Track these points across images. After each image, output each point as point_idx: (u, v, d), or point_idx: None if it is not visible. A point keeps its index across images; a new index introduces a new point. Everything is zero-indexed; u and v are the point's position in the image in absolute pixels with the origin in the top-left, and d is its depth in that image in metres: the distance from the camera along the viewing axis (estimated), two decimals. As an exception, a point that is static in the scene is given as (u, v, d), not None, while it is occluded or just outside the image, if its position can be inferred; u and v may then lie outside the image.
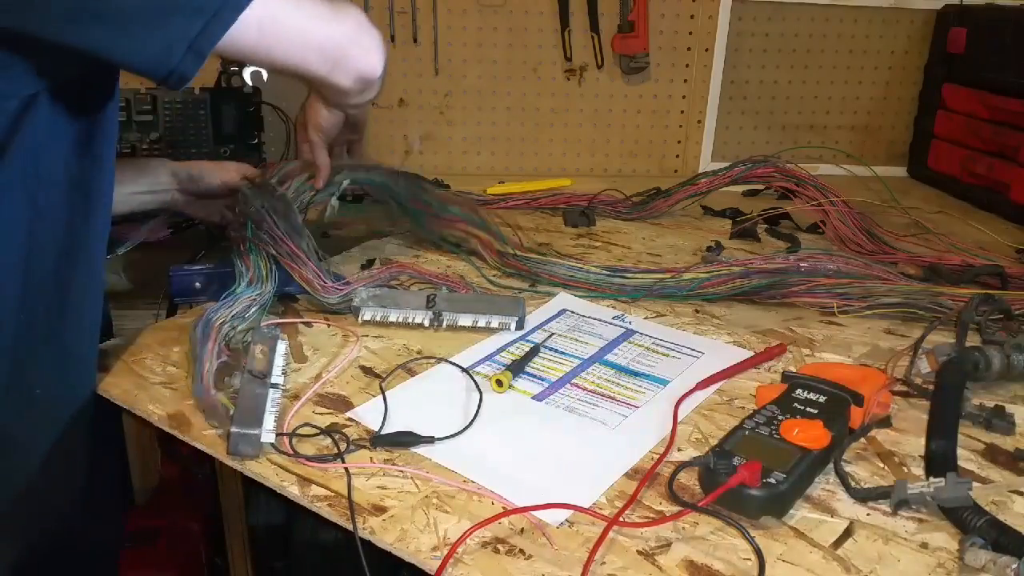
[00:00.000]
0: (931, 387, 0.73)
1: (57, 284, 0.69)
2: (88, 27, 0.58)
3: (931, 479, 0.59)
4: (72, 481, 0.77)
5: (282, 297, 0.90)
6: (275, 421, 0.68)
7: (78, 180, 0.68)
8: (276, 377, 0.72)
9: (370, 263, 1.04)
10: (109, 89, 0.70)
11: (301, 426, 0.67)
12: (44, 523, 0.76)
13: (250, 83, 1.28)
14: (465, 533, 0.55)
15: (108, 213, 0.74)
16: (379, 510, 0.59)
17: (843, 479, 0.62)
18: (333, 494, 0.60)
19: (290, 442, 0.65)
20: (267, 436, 0.65)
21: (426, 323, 0.86)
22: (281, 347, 0.77)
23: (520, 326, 0.87)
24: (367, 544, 0.56)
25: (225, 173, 1.02)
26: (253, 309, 0.82)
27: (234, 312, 0.80)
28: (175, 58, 0.60)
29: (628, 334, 0.88)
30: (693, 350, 0.84)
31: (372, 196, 1.10)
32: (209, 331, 0.75)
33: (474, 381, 0.76)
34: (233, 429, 0.64)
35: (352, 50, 0.76)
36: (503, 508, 0.59)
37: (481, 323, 0.86)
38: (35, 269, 0.67)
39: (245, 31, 0.63)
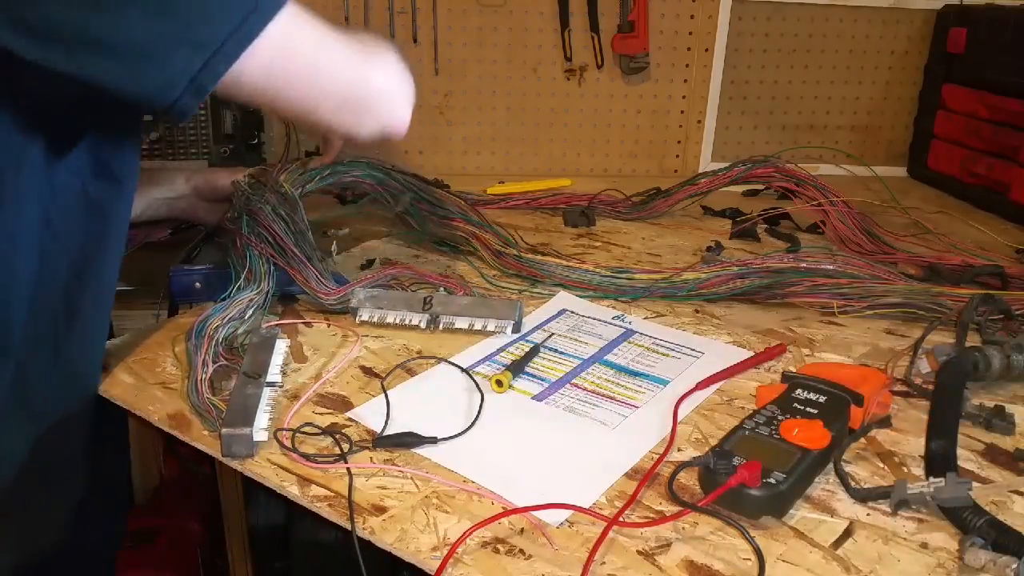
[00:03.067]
0: (931, 387, 0.73)
1: (66, 302, 0.69)
2: (89, 58, 0.55)
3: (931, 479, 0.59)
4: (71, 488, 0.77)
5: (282, 297, 0.90)
6: (270, 420, 0.68)
7: (94, 201, 0.68)
8: (272, 376, 0.72)
9: (370, 263, 1.04)
10: (131, 113, 0.69)
11: (302, 426, 0.67)
12: (43, 528, 0.76)
13: (250, 83, 1.28)
14: (465, 533, 0.55)
15: (123, 236, 0.73)
16: (379, 510, 0.59)
17: (843, 479, 0.62)
18: (333, 494, 0.60)
19: (291, 442, 0.65)
20: (259, 435, 0.65)
21: (422, 325, 0.86)
22: (280, 346, 0.77)
23: (517, 329, 0.87)
24: (367, 544, 0.56)
25: (231, 174, 1.01)
26: (251, 310, 0.82)
27: (231, 315, 0.80)
28: (175, 93, 0.56)
29: (628, 334, 0.87)
30: (693, 350, 0.84)
31: (371, 194, 1.10)
32: (202, 339, 0.76)
33: (474, 381, 0.76)
34: (223, 431, 0.64)
35: (380, 104, 0.68)
36: (503, 508, 0.59)
37: (477, 326, 0.86)
38: (45, 285, 0.66)
39: (252, 69, 0.58)
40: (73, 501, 0.77)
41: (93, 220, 0.68)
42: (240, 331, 0.80)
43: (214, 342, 0.76)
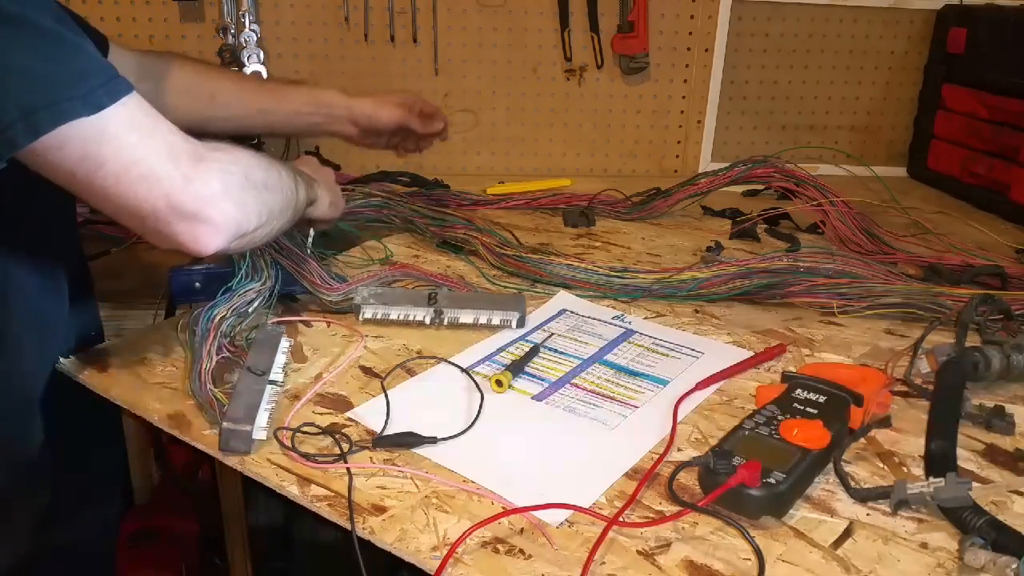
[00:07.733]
0: (931, 387, 0.73)
1: None
2: None
3: (931, 479, 0.59)
4: (45, 491, 0.77)
5: (282, 298, 0.90)
6: (270, 419, 0.68)
7: (9, 213, 0.67)
8: (275, 374, 0.72)
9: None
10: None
11: (302, 426, 0.67)
12: (27, 529, 0.76)
13: (250, 83, 1.28)
14: (465, 533, 0.55)
15: (57, 250, 0.73)
16: (379, 510, 0.59)
17: (843, 479, 0.62)
18: (333, 494, 0.60)
19: (291, 441, 0.65)
20: (259, 433, 0.65)
21: (427, 320, 0.86)
22: (284, 345, 0.77)
23: (521, 323, 0.87)
24: (367, 544, 0.56)
25: (394, 111, 1.05)
26: (255, 303, 0.82)
27: (235, 307, 0.80)
28: None
29: (628, 334, 0.87)
30: (693, 350, 0.84)
31: (371, 217, 1.16)
32: (208, 328, 0.76)
33: (474, 381, 0.76)
34: (224, 424, 0.64)
35: (177, 225, 0.61)
36: (503, 508, 0.59)
37: (482, 320, 0.86)
38: None
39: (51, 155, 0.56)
40: (48, 503, 0.77)
41: (6, 233, 0.67)
42: (244, 324, 0.80)
43: (219, 332, 0.76)
